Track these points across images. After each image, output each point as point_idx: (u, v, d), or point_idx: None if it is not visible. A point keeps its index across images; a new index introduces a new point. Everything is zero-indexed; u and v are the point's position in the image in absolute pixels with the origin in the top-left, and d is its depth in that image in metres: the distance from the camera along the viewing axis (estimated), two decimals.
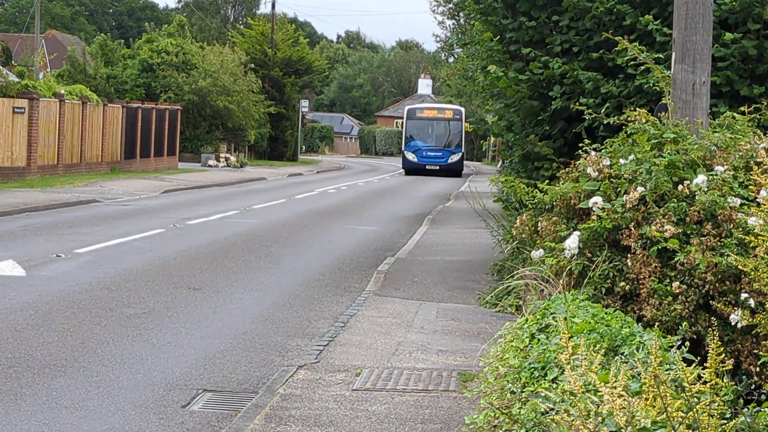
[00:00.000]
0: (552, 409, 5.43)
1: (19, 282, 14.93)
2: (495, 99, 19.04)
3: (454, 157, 66.71)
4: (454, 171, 65.89)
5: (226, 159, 59.69)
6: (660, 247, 8.60)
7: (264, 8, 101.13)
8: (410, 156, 66.75)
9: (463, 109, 69.86)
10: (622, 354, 6.34)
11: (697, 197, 8.76)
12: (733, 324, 7.92)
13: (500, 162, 49.25)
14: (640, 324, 7.36)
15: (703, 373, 5.22)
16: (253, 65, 67.92)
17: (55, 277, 15.57)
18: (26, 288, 14.43)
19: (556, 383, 5.99)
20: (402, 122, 70.77)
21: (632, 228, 8.89)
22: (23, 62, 58.50)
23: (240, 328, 12.51)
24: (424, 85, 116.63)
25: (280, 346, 11.60)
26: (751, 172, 7.44)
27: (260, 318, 13.30)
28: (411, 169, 66.18)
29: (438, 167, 65.64)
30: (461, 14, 43.10)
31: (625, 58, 12.73)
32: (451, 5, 48.59)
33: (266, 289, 15.68)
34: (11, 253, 17.72)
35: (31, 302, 13.38)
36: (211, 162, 58.39)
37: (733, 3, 14.13)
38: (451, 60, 71.71)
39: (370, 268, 18.12)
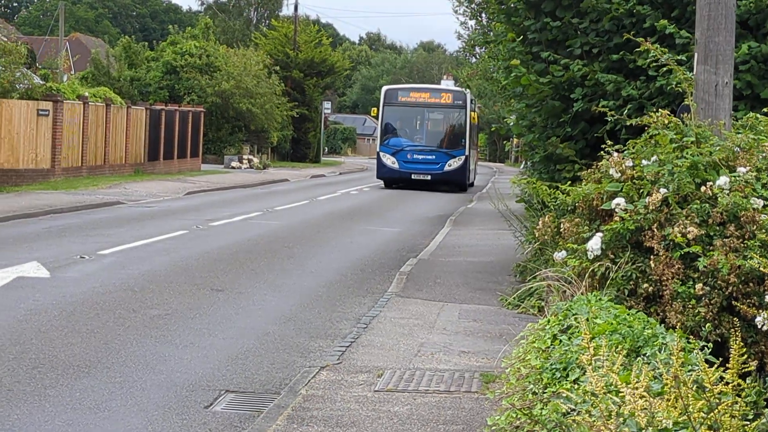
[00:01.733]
0: (573, 410, 5.42)
1: (43, 283, 15.00)
2: (517, 99, 19.04)
3: (454, 162, 46.51)
4: (454, 182, 46.74)
5: (249, 161, 59.79)
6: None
7: (287, 10, 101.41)
8: (388, 160, 46.80)
9: (468, 92, 48.58)
10: (644, 355, 6.33)
11: (719, 199, 8.74)
12: (759, 326, 7.90)
13: (523, 163, 49.17)
14: (663, 325, 7.35)
15: (725, 375, 5.22)
16: (277, 67, 68.01)
17: (78, 279, 15.64)
18: (50, 289, 14.49)
19: (578, 384, 5.99)
20: (377, 109, 48.36)
21: (655, 229, 8.87)
22: (47, 65, 58.75)
23: (262, 329, 12.54)
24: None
25: (303, 347, 11.62)
26: None
27: (283, 319, 13.33)
28: (390, 179, 47.30)
29: (429, 177, 46.25)
30: (483, 14, 43.09)
31: (647, 60, 12.70)
32: (473, 5, 48.53)
33: (289, 290, 15.71)
34: (35, 254, 17.81)
35: (55, 303, 13.44)
36: (234, 164, 58.52)
37: (750, 4, 14.08)
38: (473, 60, 70.05)
39: (392, 270, 18.13)
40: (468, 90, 48.66)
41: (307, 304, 14.50)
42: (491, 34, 31.58)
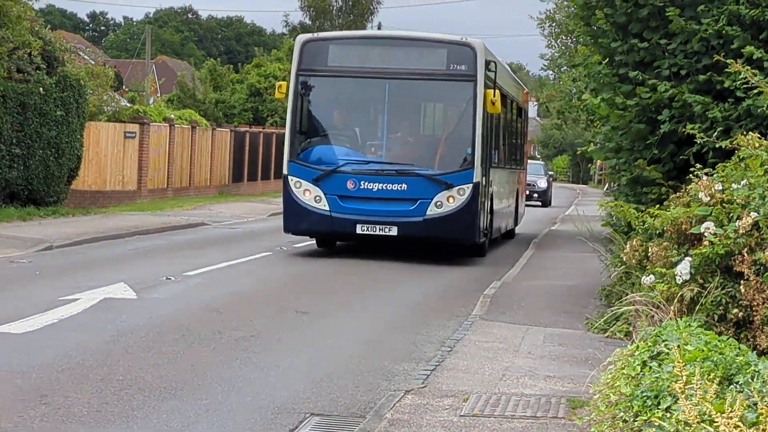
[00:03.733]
0: None
1: (130, 304, 15.14)
2: (602, 122, 18.93)
3: (446, 199, 21.74)
4: (449, 239, 22.61)
5: None
6: None
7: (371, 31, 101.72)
8: (307, 194, 22.24)
9: (480, 48, 22.01)
10: (737, 383, 6.22)
11: None
12: None
13: (607, 185, 48.77)
14: (754, 352, 7.22)
15: None
16: None
17: (164, 300, 15.77)
18: (137, 310, 14.62)
19: (670, 412, 5.89)
20: (286, 85, 22.74)
21: (745, 254, 8.74)
22: (134, 87, 59.67)
23: (346, 352, 12.53)
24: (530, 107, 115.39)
25: (387, 371, 11.58)
26: None
27: (366, 342, 13.31)
28: (316, 234, 23.80)
29: (394, 230, 21.80)
30: (569, 36, 42.85)
31: (737, 82, 12.53)
32: (556, 25, 48.13)
33: (372, 312, 15.70)
34: (122, 275, 17.99)
35: (141, 324, 13.55)
36: None
37: None
38: (552, 78, 68.61)
39: (476, 292, 18.03)
40: (479, 44, 22.46)
41: (390, 327, 14.48)
42: (576, 48, 31.29)
